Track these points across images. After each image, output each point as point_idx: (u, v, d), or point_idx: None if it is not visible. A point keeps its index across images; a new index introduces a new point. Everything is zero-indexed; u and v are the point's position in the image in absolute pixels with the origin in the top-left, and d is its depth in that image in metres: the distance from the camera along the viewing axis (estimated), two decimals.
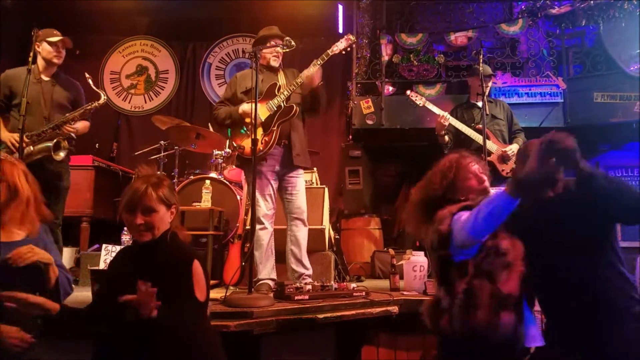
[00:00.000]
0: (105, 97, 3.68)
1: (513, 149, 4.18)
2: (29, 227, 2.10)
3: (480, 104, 4.15)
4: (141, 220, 1.89)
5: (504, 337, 1.82)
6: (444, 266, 2.01)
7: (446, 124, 4.13)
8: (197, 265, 1.89)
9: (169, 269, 1.85)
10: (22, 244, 1.99)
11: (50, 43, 3.51)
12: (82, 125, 3.62)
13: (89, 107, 3.58)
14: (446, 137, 4.22)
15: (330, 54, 3.40)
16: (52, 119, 3.48)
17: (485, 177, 2.15)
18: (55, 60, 3.55)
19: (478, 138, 4.08)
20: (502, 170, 4.12)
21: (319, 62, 3.34)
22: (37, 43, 3.53)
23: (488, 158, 3.89)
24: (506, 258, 1.89)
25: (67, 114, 3.53)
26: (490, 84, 4.45)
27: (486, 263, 1.89)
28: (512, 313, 1.85)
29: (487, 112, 4.03)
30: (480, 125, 4.00)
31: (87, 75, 3.65)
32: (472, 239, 1.82)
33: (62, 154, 3.42)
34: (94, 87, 3.63)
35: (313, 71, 3.31)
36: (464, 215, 1.88)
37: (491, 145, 4.10)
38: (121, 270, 1.98)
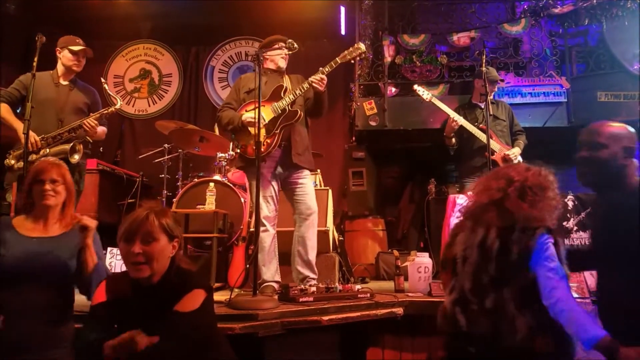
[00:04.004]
0: (121, 102, 3.71)
1: (515, 152, 4.19)
2: (67, 222, 2.23)
3: (482, 104, 4.16)
4: (139, 249, 1.72)
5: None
6: None
7: (456, 127, 4.16)
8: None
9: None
10: (61, 239, 2.16)
11: (72, 51, 3.57)
12: (100, 130, 3.63)
13: (105, 111, 3.60)
14: (453, 140, 4.27)
15: (339, 61, 3.33)
16: (67, 122, 3.49)
17: None
18: (74, 68, 3.62)
19: (482, 137, 4.10)
20: None
21: (326, 70, 3.31)
22: (59, 49, 3.61)
23: (492, 157, 3.90)
24: None
25: (82, 118, 3.54)
26: (495, 88, 4.46)
27: None
28: None
29: (491, 113, 4.03)
30: (483, 125, 4.01)
31: (102, 80, 3.73)
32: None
33: (77, 157, 3.41)
34: (110, 92, 3.69)
35: (321, 77, 3.27)
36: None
37: (494, 144, 4.13)
38: (123, 311, 1.81)
